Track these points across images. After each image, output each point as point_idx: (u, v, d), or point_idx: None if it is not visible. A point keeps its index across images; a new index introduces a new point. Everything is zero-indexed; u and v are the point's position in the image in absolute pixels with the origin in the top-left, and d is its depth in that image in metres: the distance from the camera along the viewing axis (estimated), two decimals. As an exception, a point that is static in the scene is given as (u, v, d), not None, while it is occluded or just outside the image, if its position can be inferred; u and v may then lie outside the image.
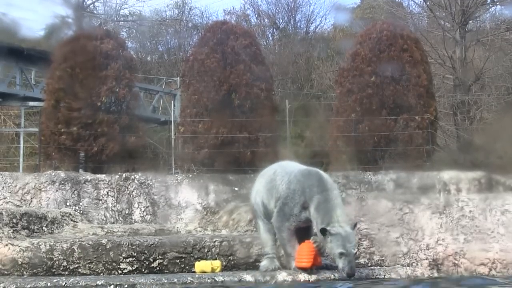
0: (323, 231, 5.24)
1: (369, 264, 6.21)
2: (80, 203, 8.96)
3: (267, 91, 14.17)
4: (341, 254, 5.21)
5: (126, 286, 5.35)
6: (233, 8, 33.63)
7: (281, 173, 5.83)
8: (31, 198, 8.88)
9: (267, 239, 5.84)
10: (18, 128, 20.90)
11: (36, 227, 7.20)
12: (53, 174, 9.24)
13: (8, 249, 6.03)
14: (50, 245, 6.06)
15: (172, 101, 22.15)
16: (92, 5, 29.06)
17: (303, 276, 5.48)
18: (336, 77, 16.73)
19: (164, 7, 43.28)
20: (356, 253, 5.43)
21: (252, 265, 6.07)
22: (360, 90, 13.82)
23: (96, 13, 29.44)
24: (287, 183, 5.64)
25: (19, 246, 6.05)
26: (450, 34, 20.63)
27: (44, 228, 7.33)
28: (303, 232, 5.64)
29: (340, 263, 5.24)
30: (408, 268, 6.06)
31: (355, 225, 5.46)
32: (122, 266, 6.03)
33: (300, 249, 5.53)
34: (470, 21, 21.63)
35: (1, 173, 9.24)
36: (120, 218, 9.00)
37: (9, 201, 8.70)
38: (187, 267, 6.09)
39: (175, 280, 5.50)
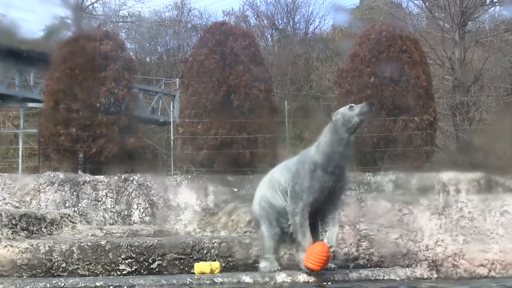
0: (328, 115, 5.66)
1: (368, 265, 6.21)
2: (79, 204, 8.96)
3: (266, 92, 14.17)
4: (350, 107, 5.55)
5: (125, 287, 5.34)
6: (232, 9, 33.73)
7: (277, 168, 5.90)
8: (30, 199, 8.87)
9: (269, 247, 5.74)
10: (17, 129, 20.92)
11: (35, 228, 7.19)
12: (52, 175, 9.23)
13: (7, 251, 6.02)
14: (49, 246, 6.06)
15: (171, 102, 22.18)
16: (91, 6, 29.11)
17: (302, 277, 5.47)
18: (335, 78, 16.76)
19: (163, 8, 43.48)
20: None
21: (251, 266, 6.07)
22: (359, 91, 13.82)
23: (95, 14, 29.47)
24: (287, 170, 5.68)
25: (18, 247, 6.04)
26: (449, 35, 20.64)
27: (43, 229, 7.33)
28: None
29: (357, 109, 5.52)
30: (407, 269, 6.05)
31: None
32: (121, 267, 6.03)
33: (313, 248, 5.36)
34: (469, 22, 21.65)
35: (0, 174, 9.23)
36: (119, 219, 8.99)
37: (8, 202, 8.69)
38: (186, 268, 6.09)
39: (174, 281, 5.49)
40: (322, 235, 5.71)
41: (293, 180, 5.55)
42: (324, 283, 5.46)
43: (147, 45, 32.31)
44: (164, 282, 5.43)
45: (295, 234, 5.54)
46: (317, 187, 5.45)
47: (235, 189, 9.38)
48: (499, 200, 6.39)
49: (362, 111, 5.49)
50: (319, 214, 5.63)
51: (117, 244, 6.11)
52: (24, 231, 6.93)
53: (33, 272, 5.97)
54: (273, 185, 5.80)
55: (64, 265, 6.00)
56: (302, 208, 5.45)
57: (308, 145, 5.83)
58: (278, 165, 5.99)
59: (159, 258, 6.08)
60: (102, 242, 6.15)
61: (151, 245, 6.13)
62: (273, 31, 32.68)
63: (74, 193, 9.00)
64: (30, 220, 7.15)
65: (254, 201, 5.99)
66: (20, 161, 18.82)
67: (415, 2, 24.56)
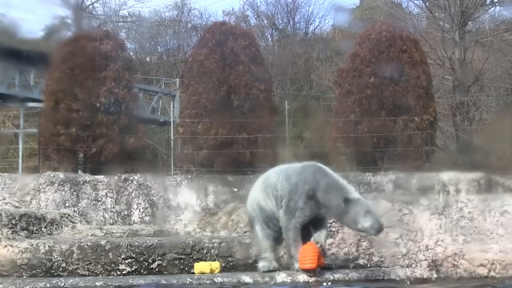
0: (346, 200, 5.28)
1: (368, 265, 6.20)
2: (79, 204, 8.95)
3: (266, 92, 14.19)
4: (367, 211, 5.25)
5: (125, 287, 5.34)
6: (232, 9, 33.72)
7: (275, 171, 5.83)
8: (30, 199, 8.85)
9: (266, 246, 5.76)
10: (17, 129, 20.92)
11: (35, 228, 7.18)
12: (52, 175, 9.21)
13: (7, 250, 6.02)
14: (49, 246, 6.05)
15: (171, 102, 22.17)
16: (91, 5, 29.10)
17: (302, 277, 5.47)
18: (335, 78, 16.79)
19: (163, 8, 43.49)
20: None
21: (251, 266, 6.06)
22: (359, 91, 13.83)
23: (95, 14, 29.47)
24: (287, 179, 5.61)
25: (18, 247, 6.04)
26: (449, 35, 20.64)
27: (43, 229, 7.32)
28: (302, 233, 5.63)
29: (367, 221, 5.24)
30: (407, 269, 6.05)
31: None
32: (121, 267, 6.02)
33: (303, 250, 5.47)
34: (469, 22, 21.66)
35: (0, 174, 9.21)
36: (119, 219, 8.98)
37: (8, 202, 8.68)
38: (186, 268, 6.08)
39: (174, 281, 5.49)
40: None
41: (289, 193, 5.53)
42: (324, 283, 5.46)
43: (147, 45, 32.34)
44: (164, 282, 5.43)
45: (288, 247, 5.63)
46: (308, 212, 5.49)
47: (235, 189, 9.37)
48: (499, 200, 6.39)
49: (368, 230, 5.29)
50: (309, 223, 5.65)
51: (117, 244, 6.11)
52: (24, 231, 6.92)
53: (33, 272, 5.96)
54: (266, 188, 5.78)
55: (64, 265, 6.00)
56: (294, 225, 5.50)
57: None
58: (276, 168, 5.93)
59: (159, 258, 6.08)
60: (102, 242, 6.14)
61: (151, 245, 6.12)
62: (273, 31, 32.69)
63: (74, 193, 8.99)
64: (30, 220, 7.14)
65: (248, 200, 6.02)
66: (20, 161, 18.81)
67: (415, 2, 24.59)
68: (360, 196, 5.50)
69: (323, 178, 5.48)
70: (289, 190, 5.54)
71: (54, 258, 6.00)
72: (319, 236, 5.53)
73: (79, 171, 12.38)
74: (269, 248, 5.77)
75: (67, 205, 8.87)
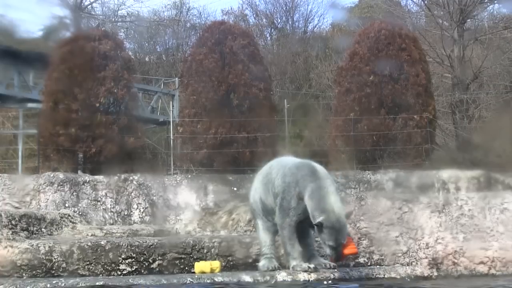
0: (319, 225, 5.21)
1: (369, 264, 6.20)
2: (79, 205, 8.94)
3: (266, 91, 14.18)
4: (330, 246, 5.25)
5: (125, 287, 5.34)
6: (231, 8, 33.63)
7: (276, 167, 5.84)
8: (30, 200, 8.85)
9: (265, 239, 5.82)
10: (17, 130, 20.91)
11: (35, 228, 7.18)
12: (52, 175, 9.21)
13: (8, 251, 6.01)
14: (49, 247, 6.05)
15: (171, 102, 22.13)
16: (90, 5, 29.06)
17: (302, 276, 5.47)
18: (335, 76, 16.79)
19: (162, 7, 43.43)
20: (344, 243, 5.36)
21: (251, 266, 6.06)
22: (358, 89, 13.83)
23: (94, 14, 29.43)
24: (282, 177, 5.63)
25: (18, 248, 6.03)
26: (448, 32, 20.65)
27: (43, 229, 7.32)
28: (299, 231, 5.63)
29: (328, 251, 5.33)
30: (407, 267, 6.05)
31: (349, 214, 5.68)
32: (122, 267, 6.02)
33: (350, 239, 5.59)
34: (468, 20, 21.67)
35: (0, 175, 9.22)
36: (119, 219, 8.98)
37: (8, 203, 8.67)
38: (186, 268, 6.08)
39: (175, 281, 5.49)
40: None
41: (283, 193, 5.55)
42: (325, 282, 5.46)
43: (146, 44, 32.35)
44: (165, 282, 5.43)
45: (283, 245, 5.65)
46: (301, 211, 5.46)
47: (235, 188, 9.38)
48: (499, 197, 6.39)
49: (329, 255, 5.38)
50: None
51: (117, 244, 6.11)
52: (24, 232, 6.92)
53: (33, 272, 5.96)
54: (267, 183, 5.81)
55: (64, 265, 6.00)
56: (289, 224, 5.52)
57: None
58: (280, 161, 5.95)
59: (159, 257, 6.08)
60: (102, 242, 6.14)
61: (151, 245, 6.12)
62: (272, 30, 32.70)
63: (74, 193, 8.99)
64: (30, 220, 7.14)
65: (251, 192, 6.07)
66: (19, 161, 18.81)
67: (414, 0, 24.59)
68: (338, 218, 5.21)
69: (311, 182, 5.40)
70: (283, 189, 5.56)
71: (55, 259, 6.00)
72: None
73: (79, 172, 12.35)
74: (269, 241, 5.82)
75: (67, 205, 8.86)
